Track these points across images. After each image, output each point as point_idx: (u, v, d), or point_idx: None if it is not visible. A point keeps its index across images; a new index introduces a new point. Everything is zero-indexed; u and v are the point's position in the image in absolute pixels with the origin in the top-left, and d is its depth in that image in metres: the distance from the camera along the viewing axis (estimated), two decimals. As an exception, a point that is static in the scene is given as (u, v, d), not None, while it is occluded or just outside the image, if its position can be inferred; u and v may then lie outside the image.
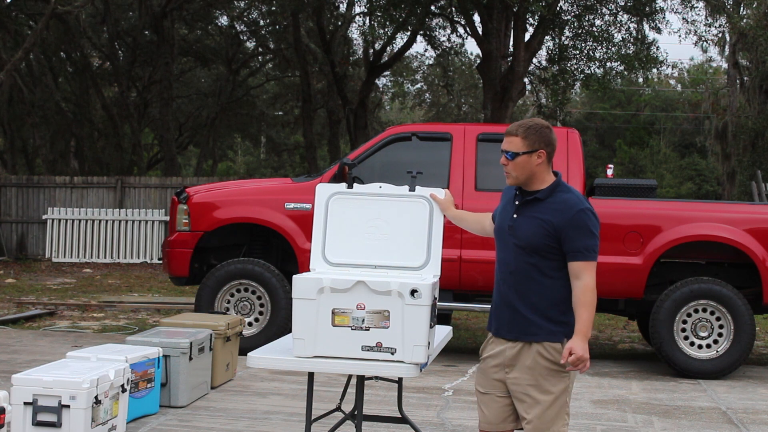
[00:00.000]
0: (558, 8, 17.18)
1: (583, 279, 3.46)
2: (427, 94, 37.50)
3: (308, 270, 4.07)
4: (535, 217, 3.52)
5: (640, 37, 18.01)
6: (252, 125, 34.54)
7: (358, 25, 25.80)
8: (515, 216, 3.58)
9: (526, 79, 18.71)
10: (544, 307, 3.50)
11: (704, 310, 7.95)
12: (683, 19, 18.26)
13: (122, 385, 5.11)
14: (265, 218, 8.33)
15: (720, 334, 7.93)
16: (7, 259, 18.70)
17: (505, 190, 3.75)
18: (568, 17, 17.85)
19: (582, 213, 3.50)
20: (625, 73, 18.76)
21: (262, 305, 8.38)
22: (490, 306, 3.74)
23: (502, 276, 3.61)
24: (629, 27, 18.21)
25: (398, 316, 3.61)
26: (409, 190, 4.11)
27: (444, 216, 4.10)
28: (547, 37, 18.53)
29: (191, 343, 6.13)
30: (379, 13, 17.80)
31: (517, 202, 3.62)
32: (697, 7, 18.11)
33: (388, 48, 24.75)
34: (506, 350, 3.56)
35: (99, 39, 27.06)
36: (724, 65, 30.38)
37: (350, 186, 4.14)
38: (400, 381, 4.55)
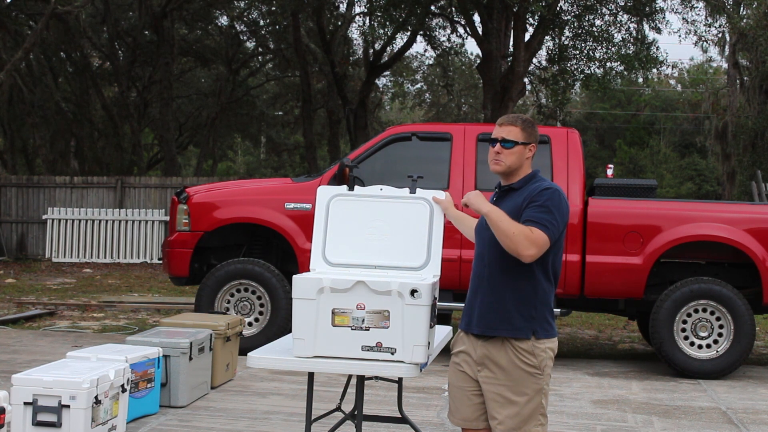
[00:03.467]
0: (558, 8, 17.19)
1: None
2: (427, 94, 37.51)
3: (308, 270, 4.07)
4: (508, 205, 3.50)
5: (640, 37, 18.01)
6: (252, 125, 34.54)
7: (358, 25, 25.84)
8: None
9: (526, 79, 18.72)
10: (514, 301, 3.45)
11: (704, 310, 7.95)
12: (683, 19, 18.27)
13: (122, 385, 5.11)
14: (265, 218, 8.33)
15: (720, 334, 7.93)
16: (7, 259, 18.70)
17: (491, 197, 3.76)
18: (568, 17, 17.85)
19: (546, 190, 3.44)
20: (625, 73, 18.75)
21: (262, 305, 8.37)
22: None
23: (476, 270, 3.58)
24: (629, 27, 18.22)
25: (398, 316, 3.61)
26: (410, 193, 4.12)
27: (444, 216, 4.10)
28: (547, 37, 18.54)
29: (191, 343, 6.13)
30: (379, 13, 17.80)
31: (495, 198, 3.63)
32: (697, 7, 18.12)
33: (388, 48, 24.76)
34: (476, 348, 3.53)
35: (99, 39, 27.06)
36: (724, 65, 30.39)
37: (351, 188, 4.14)
38: (400, 381, 4.55)
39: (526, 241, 3.34)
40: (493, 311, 3.48)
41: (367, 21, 23.33)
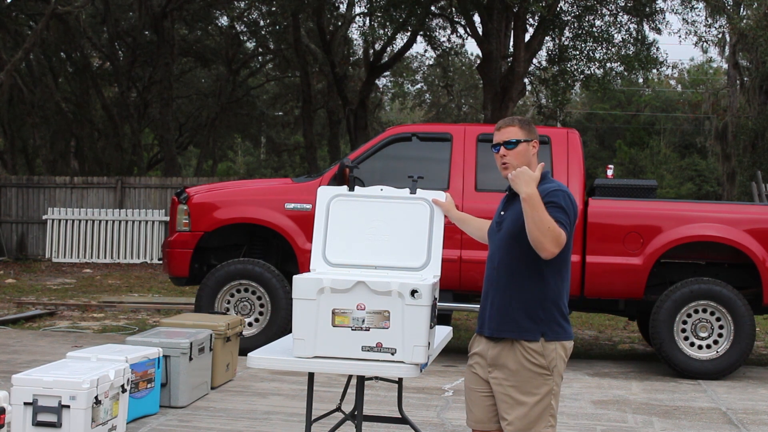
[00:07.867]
0: (558, 9, 17.19)
1: None
2: (427, 95, 37.52)
3: (308, 270, 4.07)
4: (519, 206, 3.48)
5: (640, 37, 18.02)
6: (252, 125, 34.54)
7: (358, 26, 25.82)
8: (503, 213, 3.60)
9: (526, 80, 18.72)
10: (524, 303, 3.46)
11: (704, 311, 7.95)
12: (683, 19, 18.28)
13: (122, 386, 5.11)
14: (265, 218, 8.33)
15: (720, 335, 7.92)
16: (7, 259, 18.70)
17: (500, 201, 3.75)
18: (568, 18, 17.86)
19: (555, 191, 3.44)
20: (625, 73, 18.77)
21: (262, 305, 8.37)
22: None
23: (487, 273, 3.61)
24: (629, 27, 18.23)
25: (398, 316, 3.61)
26: (410, 193, 4.12)
27: (445, 217, 4.10)
28: (547, 38, 18.55)
29: (191, 344, 6.13)
30: (379, 14, 17.81)
31: (505, 201, 3.64)
32: (697, 8, 18.13)
33: (388, 48, 24.76)
34: (489, 349, 3.54)
35: (99, 39, 27.07)
36: (724, 66, 30.38)
37: (351, 188, 4.14)
38: (400, 381, 4.55)
39: (554, 239, 3.33)
40: (502, 313, 3.50)
41: (367, 21, 23.33)
